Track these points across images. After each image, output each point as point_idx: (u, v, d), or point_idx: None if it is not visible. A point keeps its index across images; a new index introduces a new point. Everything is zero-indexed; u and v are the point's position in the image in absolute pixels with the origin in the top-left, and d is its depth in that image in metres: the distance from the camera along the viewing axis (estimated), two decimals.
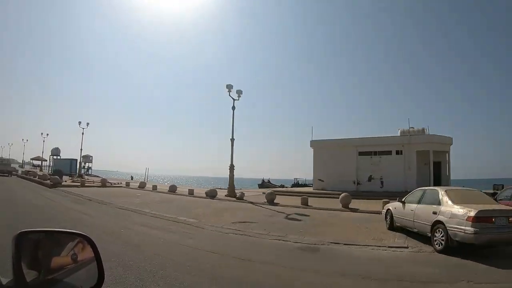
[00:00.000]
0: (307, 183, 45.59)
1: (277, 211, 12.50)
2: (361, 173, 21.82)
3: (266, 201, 14.74)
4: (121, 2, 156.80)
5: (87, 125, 35.77)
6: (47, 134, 49.88)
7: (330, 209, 13.22)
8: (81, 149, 35.67)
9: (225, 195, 17.46)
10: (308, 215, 11.54)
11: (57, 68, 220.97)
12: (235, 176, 18.05)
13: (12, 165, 39.96)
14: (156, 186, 21.68)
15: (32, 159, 61.10)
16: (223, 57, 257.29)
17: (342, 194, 14.27)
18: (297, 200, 14.87)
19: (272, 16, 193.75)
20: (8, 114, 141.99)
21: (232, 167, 18.15)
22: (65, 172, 35.41)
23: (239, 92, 18.80)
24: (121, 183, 26.04)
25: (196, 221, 10.00)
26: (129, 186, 23.46)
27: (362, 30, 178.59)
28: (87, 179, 28.69)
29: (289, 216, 11.31)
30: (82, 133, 35.17)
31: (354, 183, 21.62)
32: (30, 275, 1.14)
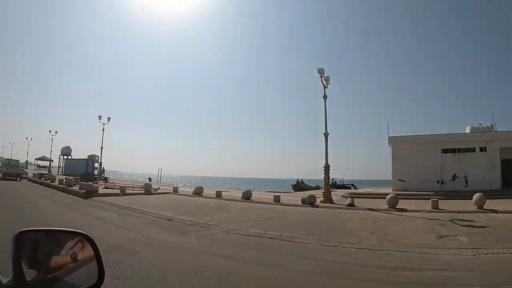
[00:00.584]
0: (344, 183, 43.20)
1: (431, 218, 10.51)
2: (444, 172, 19.78)
3: (388, 206, 12.85)
4: (121, 2, 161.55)
5: (108, 120, 31.19)
6: (56, 132, 44.16)
7: (469, 212, 11.55)
8: (101, 148, 30.91)
9: (321, 201, 14.58)
10: (471, 220, 9.82)
11: (57, 68, 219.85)
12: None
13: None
14: (220, 192, 17.75)
15: (37, 159, 55.28)
16: (223, 57, 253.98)
17: (477, 195, 12.52)
18: (406, 203, 13.42)
19: (272, 16, 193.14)
20: (8, 114, 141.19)
21: (327, 168, 15.28)
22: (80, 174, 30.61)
23: (327, 79, 15.89)
24: (159, 188, 22.18)
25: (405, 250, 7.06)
26: (177, 192, 19.64)
27: (363, 30, 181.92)
28: (116, 183, 24.44)
29: (462, 224, 9.38)
30: (103, 129, 30.66)
31: (438, 182, 19.58)
32: (30, 274, 1.13)
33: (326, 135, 15.83)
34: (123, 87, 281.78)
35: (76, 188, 18.50)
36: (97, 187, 18.02)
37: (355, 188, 39.27)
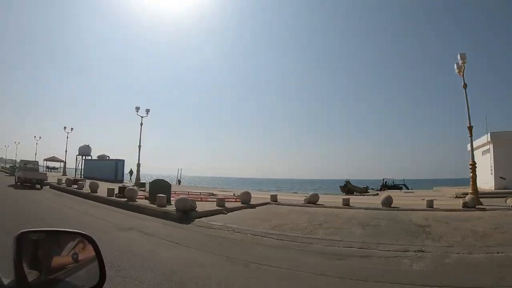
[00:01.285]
0: (395, 183, 41.76)
1: None
2: None
3: None
4: (121, 2, 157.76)
5: (147, 113, 26.69)
6: (72, 129, 38.72)
7: None
8: (139, 146, 26.13)
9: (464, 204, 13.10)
10: None
11: (57, 68, 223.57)
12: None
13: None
14: (348, 200, 14.36)
15: (46, 159, 50.32)
16: (223, 57, 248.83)
17: None
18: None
19: (272, 16, 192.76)
20: (8, 114, 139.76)
21: (474, 165, 13.96)
22: (109, 178, 26.57)
23: (460, 68, 14.48)
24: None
25: None
26: (277, 201, 17.21)
27: (363, 31, 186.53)
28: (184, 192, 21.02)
29: None
30: (141, 124, 26.08)
31: None
32: (31, 275, 1.12)
33: (470, 128, 14.58)
34: (122, 87, 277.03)
35: (144, 202, 13.14)
36: (194, 201, 14.39)
37: (407, 188, 36.69)
